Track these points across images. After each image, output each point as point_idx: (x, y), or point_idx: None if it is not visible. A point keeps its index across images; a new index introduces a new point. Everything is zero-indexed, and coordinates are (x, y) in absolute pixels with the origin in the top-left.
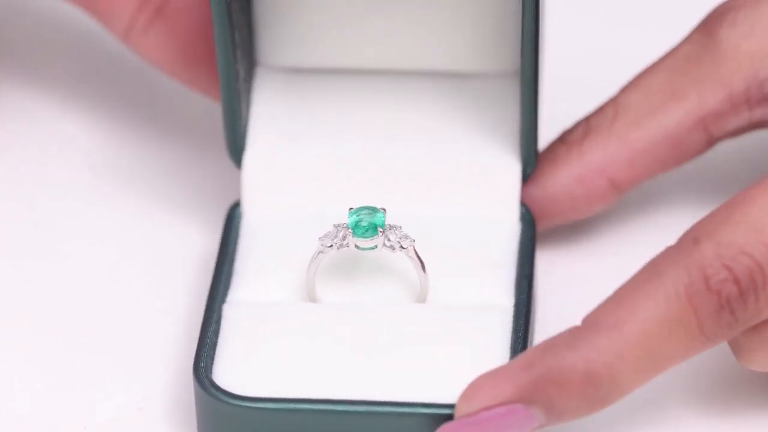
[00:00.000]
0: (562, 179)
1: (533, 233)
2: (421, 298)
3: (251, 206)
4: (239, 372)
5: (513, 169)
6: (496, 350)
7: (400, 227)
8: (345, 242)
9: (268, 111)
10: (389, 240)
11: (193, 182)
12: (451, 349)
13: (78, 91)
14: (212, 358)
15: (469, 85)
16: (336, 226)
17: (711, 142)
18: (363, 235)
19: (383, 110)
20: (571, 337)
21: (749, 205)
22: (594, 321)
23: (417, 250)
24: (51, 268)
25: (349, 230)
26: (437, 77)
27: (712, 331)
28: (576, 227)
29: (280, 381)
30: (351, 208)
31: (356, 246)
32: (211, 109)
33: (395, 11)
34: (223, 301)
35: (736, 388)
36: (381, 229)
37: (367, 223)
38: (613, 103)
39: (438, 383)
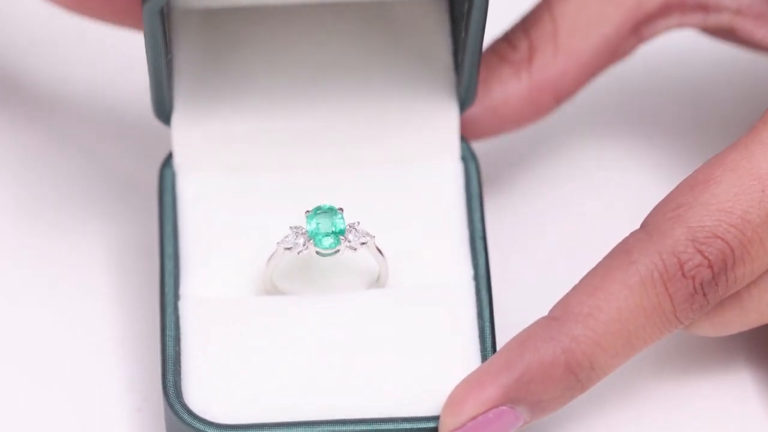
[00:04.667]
0: (513, 101)
1: (479, 177)
2: (381, 283)
3: (184, 166)
4: (211, 392)
5: (450, 106)
6: (462, 332)
7: (358, 223)
8: (305, 247)
9: (190, 59)
10: (350, 242)
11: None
12: (419, 339)
13: None
14: (179, 374)
15: (394, 13)
16: (294, 230)
17: (636, 47)
18: (324, 246)
19: (309, 50)
20: (545, 329)
21: (714, 186)
22: (567, 311)
23: (377, 244)
24: (47, 270)
25: (310, 239)
26: (359, 7)
27: (685, 315)
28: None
29: (254, 400)
30: (307, 211)
31: (317, 252)
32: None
33: None
34: (176, 295)
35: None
36: (342, 237)
37: (327, 231)
38: (549, 12)
39: (413, 384)
